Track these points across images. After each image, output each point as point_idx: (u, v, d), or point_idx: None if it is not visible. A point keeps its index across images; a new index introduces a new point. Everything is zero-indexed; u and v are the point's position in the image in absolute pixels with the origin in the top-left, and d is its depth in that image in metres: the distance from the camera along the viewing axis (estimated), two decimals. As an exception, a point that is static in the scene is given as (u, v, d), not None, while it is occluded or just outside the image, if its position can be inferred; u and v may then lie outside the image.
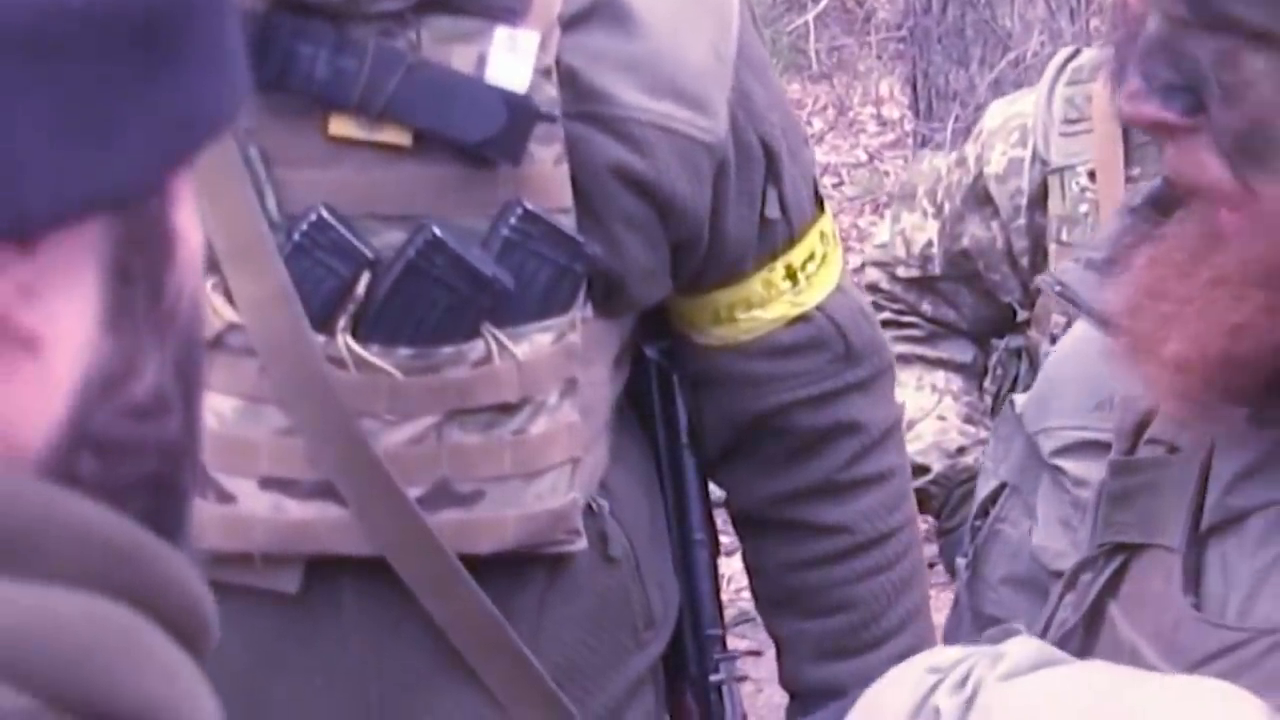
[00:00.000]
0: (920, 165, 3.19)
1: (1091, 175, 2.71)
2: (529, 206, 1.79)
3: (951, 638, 1.71)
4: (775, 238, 1.96)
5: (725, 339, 1.98)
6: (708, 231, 1.90)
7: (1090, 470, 1.58)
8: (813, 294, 1.99)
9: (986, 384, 3.03)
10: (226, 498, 1.83)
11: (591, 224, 1.82)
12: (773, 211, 1.94)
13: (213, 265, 1.78)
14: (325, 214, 1.78)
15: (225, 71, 0.64)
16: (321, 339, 1.80)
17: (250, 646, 1.88)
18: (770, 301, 1.97)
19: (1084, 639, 1.47)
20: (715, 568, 2.06)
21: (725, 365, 1.99)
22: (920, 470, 2.91)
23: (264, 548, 1.84)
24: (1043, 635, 1.52)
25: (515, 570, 1.88)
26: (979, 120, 2.97)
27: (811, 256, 1.98)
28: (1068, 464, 1.60)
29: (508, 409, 1.83)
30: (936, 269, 2.92)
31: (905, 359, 2.98)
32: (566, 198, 1.81)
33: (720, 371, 1.99)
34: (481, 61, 1.77)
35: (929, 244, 2.92)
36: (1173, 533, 1.44)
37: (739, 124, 1.89)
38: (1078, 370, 1.59)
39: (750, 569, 2.11)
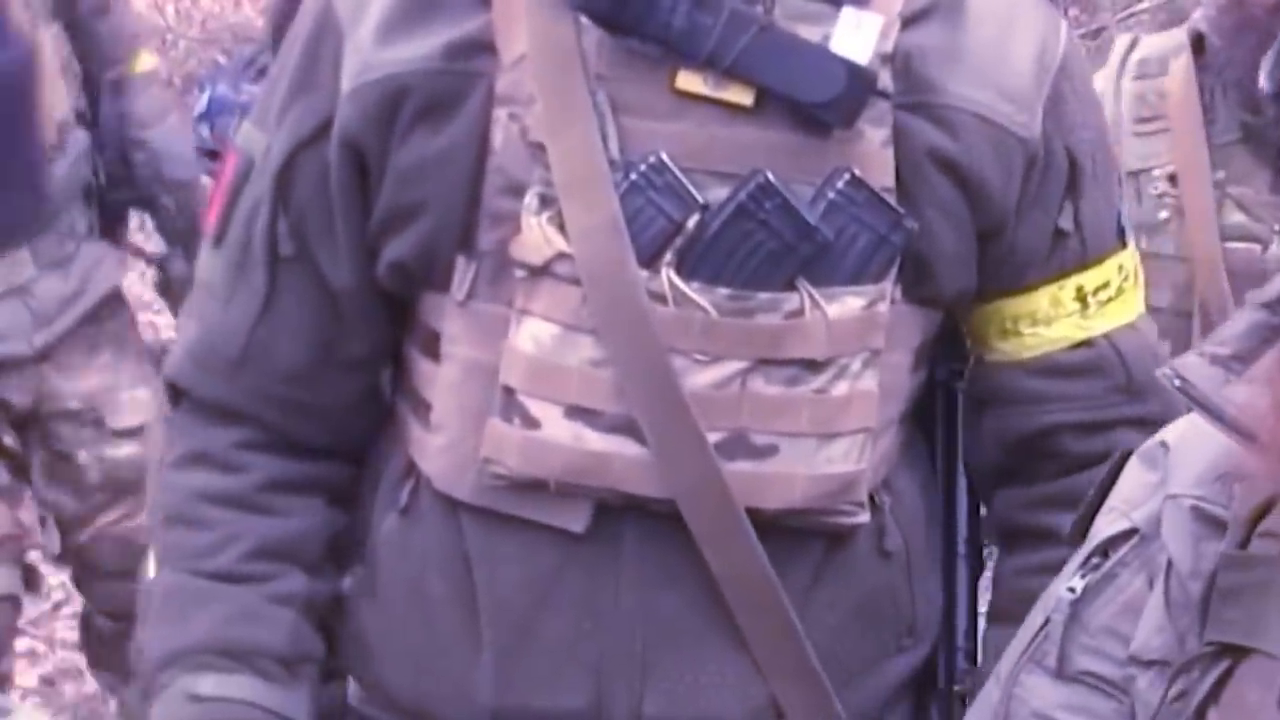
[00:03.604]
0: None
1: (1171, 179, 2.67)
2: (856, 173, 1.84)
3: (1030, 663, 1.64)
4: (1066, 254, 1.96)
5: (1008, 354, 1.98)
6: (1011, 226, 1.93)
7: (1199, 551, 1.52)
8: (1101, 322, 1.98)
9: None
10: (531, 422, 1.84)
11: (907, 206, 1.86)
12: (1066, 223, 1.95)
13: (549, 199, 1.81)
14: (664, 158, 1.82)
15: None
16: (645, 274, 1.82)
17: (526, 584, 1.89)
18: (1056, 320, 1.97)
19: None
20: (975, 585, 2.04)
21: (1003, 381, 1.99)
22: None
23: (559, 476, 1.84)
24: None
25: (793, 539, 1.89)
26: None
27: (1105, 285, 1.98)
28: (1175, 546, 1.54)
29: (813, 366, 1.85)
30: None
31: None
32: (889, 178, 1.85)
33: (998, 388, 1.99)
34: (825, 40, 1.83)
35: None
36: (1276, 638, 1.41)
37: (1048, 130, 1.92)
38: (1206, 438, 1.53)
39: (994, 585, 2.08)
